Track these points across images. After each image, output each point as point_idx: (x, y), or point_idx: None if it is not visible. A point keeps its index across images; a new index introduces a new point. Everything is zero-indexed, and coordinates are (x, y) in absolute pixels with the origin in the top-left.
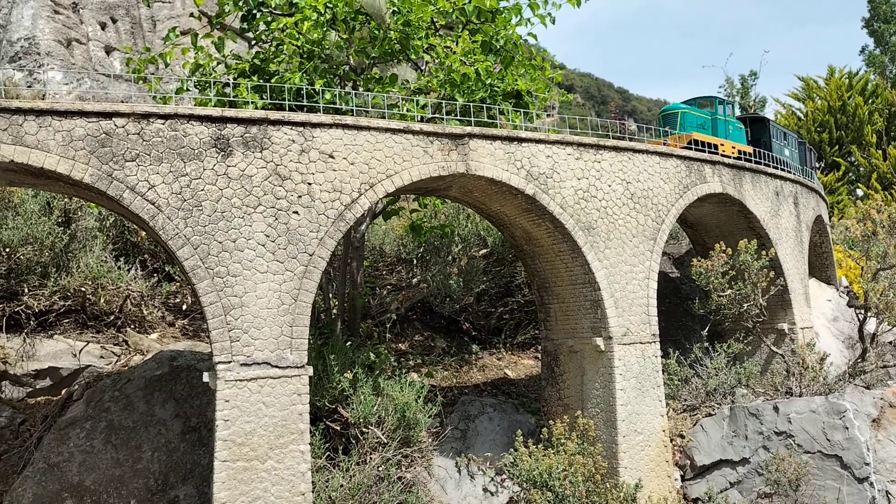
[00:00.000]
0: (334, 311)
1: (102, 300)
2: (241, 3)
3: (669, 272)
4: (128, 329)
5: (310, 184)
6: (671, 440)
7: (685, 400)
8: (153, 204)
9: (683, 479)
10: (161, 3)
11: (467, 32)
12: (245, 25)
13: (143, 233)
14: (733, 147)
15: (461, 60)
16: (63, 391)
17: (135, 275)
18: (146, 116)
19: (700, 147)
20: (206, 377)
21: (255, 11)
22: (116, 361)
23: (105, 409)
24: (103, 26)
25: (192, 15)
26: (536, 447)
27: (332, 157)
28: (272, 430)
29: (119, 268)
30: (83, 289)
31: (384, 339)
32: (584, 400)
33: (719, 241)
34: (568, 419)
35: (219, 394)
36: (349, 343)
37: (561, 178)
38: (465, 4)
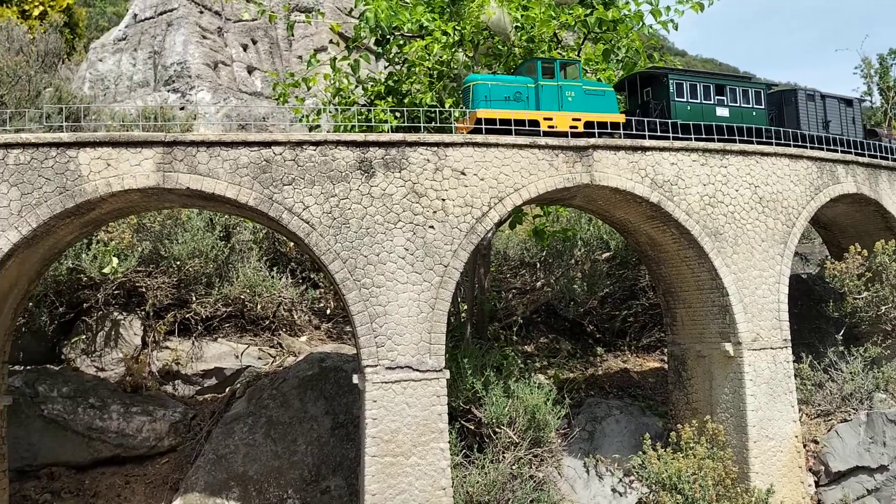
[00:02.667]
0: (463, 315)
1: (259, 306)
2: (376, 29)
3: (801, 273)
4: (281, 333)
5: (444, 200)
6: (804, 445)
7: (819, 405)
8: (307, 223)
9: (818, 484)
10: (296, 24)
11: (589, 44)
12: (379, 49)
13: (291, 244)
14: (576, 119)
15: (584, 70)
16: (227, 389)
17: (285, 283)
18: (300, 144)
19: (499, 125)
20: (355, 379)
21: (388, 36)
22: (272, 362)
23: (264, 405)
24: (245, 48)
25: (331, 41)
26: (665, 450)
27: (463, 173)
28: (415, 429)
29: (272, 276)
30: (242, 296)
31: (510, 341)
32: (712, 404)
33: (855, 242)
34: (696, 423)
35: (367, 394)
36: (479, 346)
37: (686, 185)
38: (586, 17)
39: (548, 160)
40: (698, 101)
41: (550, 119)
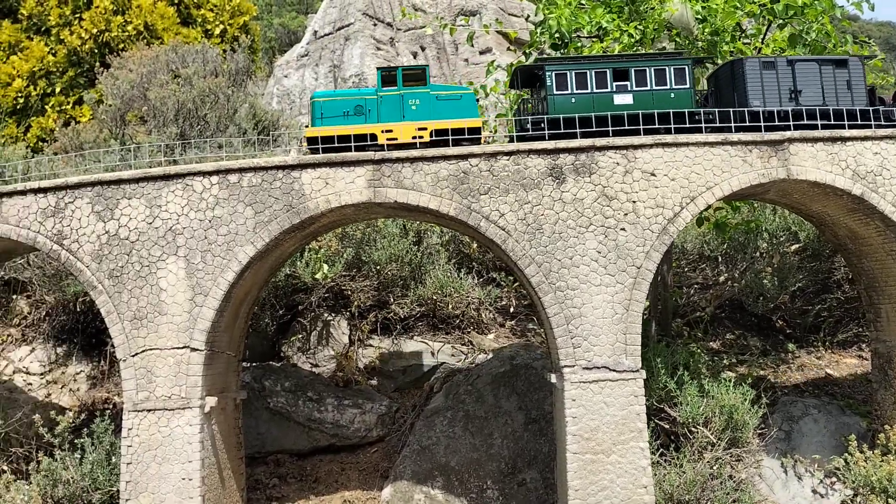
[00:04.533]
0: (646, 312)
1: (450, 306)
2: (555, 35)
3: None
4: (470, 330)
5: (634, 202)
6: None
7: None
8: (503, 230)
9: None
10: (462, 27)
11: (777, 30)
12: (556, 53)
13: (474, 245)
14: (420, 129)
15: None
16: (425, 385)
17: (471, 283)
18: (494, 155)
19: (335, 143)
20: (552, 378)
21: (566, 40)
22: (465, 359)
23: (461, 400)
24: (415, 55)
25: (509, 49)
26: (873, 452)
27: (653, 174)
28: (614, 428)
29: (460, 277)
30: (434, 297)
31: (695, 338)
32: None
33: None
34: None
35: (566, 394)
36: (665, 344)
37: (892, 175)
38: (773, 4)
39: (741, 156)
40: (588, 90)
41: (390, 131)
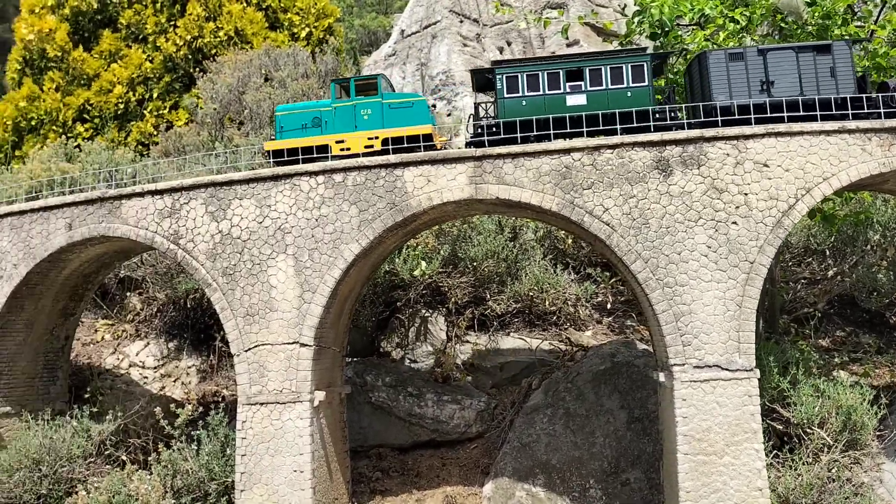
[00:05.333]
0: None
1: (546, 302)
2: (655, 23)
3: None
4: (568, 327)
5: (746, 194)
6: None
7: None
8: (608, 225)
9: None
10: (556, 20)
11: (891, 11)
12: (656, 43)
13: (569, 241)
14: (372, 138)
15: (886, 41)
16: (523, 381)
17: (568, 279)
18: (597, 148)
19: (287, 156)
20: (661, 377)
21: (666, 28)
22: (563, 356)
23: (561, 398)
24: (501, 50)
25: (605, 42)
26: None
27: (766, 165)
28: (727, 429)
29: (556, 273)
30: (530, 293)
31: (803, 335)
32: None
33: None
34: None
35: (676, 393)
36: (775, 341)
37: None
38: None
39: (859, 145)
40: (540, 92)
41: (342, 141)
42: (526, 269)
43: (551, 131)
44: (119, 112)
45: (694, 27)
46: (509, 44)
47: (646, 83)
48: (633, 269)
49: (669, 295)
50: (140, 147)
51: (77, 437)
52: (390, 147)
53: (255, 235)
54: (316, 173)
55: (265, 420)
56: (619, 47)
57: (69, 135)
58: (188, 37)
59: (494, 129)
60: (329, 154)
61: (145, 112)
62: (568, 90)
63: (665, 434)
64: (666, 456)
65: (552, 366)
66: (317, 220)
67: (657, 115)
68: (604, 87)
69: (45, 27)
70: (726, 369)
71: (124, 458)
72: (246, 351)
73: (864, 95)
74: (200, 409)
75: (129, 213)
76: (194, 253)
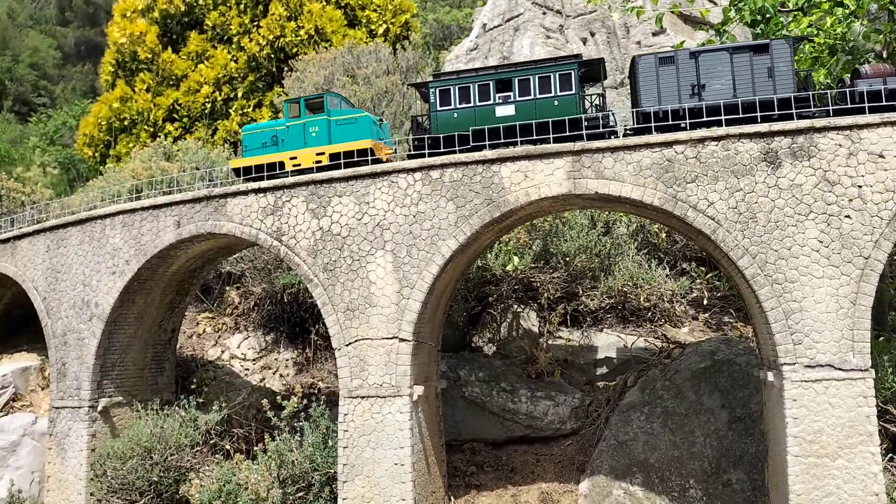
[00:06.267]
0: None
1: (641, 298)
2: (756, 9)
3: None
4: (664, 323)
5: (860, 186)
6: None
7: None
8: (713, 219)
9: None
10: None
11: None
12: (757, 30)
13: (662, 235)
14: (319, 154)
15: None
16: (618, 378)
17: (662, 274)
18: (701, 141)
19: (254, 173)
20: (769, 376)
21: (767, 15)
22: (659, 353)
23: (658, 396)
24: (584, 41)
25: (700, 28)
26: None
27: (882, 156)
28: (840, 430)
29: (650, 268)
30: (624, 288)
31: None
32: None
33: None
34: None
35: (786, 393)
36: (886, 339)
37: None
38: None
39: None
40: (471, 104)
41: (295, 158)
42: (619, 264)
43: (486, 142)
44: (206, 111)
45: (797, 13)
46: (592, 34)
47: (573, 91)
48: (739, 265)
49: (779, 291)
50: (226, 144)
51: (185, 427)
52: (341, 161)
53: (355, 232)
54: (413, 170)
55: (366, 413)
56: (714, 36)
57: (160, 134)
58: (271, 36)
59: (430, 142)
60: (287, 170)
61: (230, 111)
62: (498, 101)
63: (771, 435)
64: (772, 457)
65: (648, 363)
66: (414, 216)
67: (587, 124)
68: (531, 96)
69: (137, 30)
70: (840, 369)
71: (228, 447)
72: (347, 345)
73: (809, 94)
74: (304, 401)
75: (233, 210)
76: (296, 249)
